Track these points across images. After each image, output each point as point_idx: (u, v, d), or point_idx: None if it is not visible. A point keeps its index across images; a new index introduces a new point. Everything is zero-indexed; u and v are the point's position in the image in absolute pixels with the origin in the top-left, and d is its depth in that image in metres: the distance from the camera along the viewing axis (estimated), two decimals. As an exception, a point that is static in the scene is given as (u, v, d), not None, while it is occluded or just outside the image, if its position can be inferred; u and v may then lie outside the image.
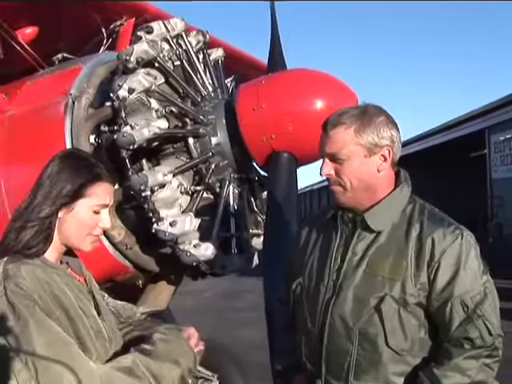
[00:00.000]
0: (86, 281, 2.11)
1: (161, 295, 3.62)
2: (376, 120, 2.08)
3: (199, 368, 4.98)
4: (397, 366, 2.05)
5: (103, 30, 4.62)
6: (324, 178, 2.16)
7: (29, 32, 4.40)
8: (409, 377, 2.05)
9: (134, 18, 4.57)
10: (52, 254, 1.99)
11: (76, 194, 1.95)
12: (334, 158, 2.10)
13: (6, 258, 1.88)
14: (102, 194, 1.99)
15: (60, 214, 1.95)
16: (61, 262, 2.06)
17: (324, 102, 3.06)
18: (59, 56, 4.33)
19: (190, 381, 4.28)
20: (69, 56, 4.32)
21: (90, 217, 1.98)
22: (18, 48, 4.05)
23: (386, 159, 2.10)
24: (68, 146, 3.11)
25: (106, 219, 2.01)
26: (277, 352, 2.62)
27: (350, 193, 2.11)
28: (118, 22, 4.59)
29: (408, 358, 2.05)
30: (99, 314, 2.05)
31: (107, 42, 4.61)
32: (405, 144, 28.10)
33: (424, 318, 2.06)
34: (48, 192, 1.94)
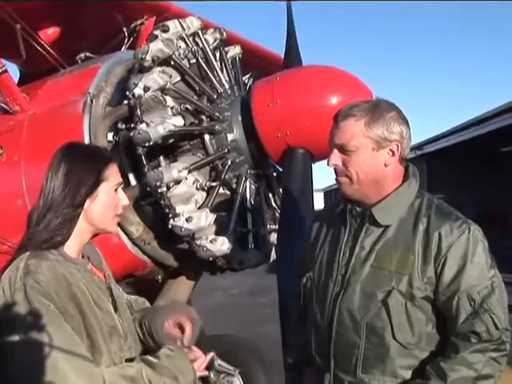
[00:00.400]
0: (105, 276, 2.17)
1: (180, 290, 3.66)
2: (387, 115, 2.09)
3: (221, 363, 5.03)
4: (404, 359, 2.06)
5: (124, 29, 4.68)
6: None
7: (51, 32, 4.48)
8: (416, 370, 2.06)
9: (154, 17, 4.63)
10: (74, 247, 2.05)
11: (97, 181, 2.02)
12: (342, 149, 2.11)
13: (28, 253, 1.94)
14: (116, 173, 2.09)
15: (86, 205, 2.02)
16: (82, 257, 2.13)
17: (339, 97, 3.06)
18: (82, 55, 4.40)
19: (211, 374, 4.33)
20: (91, 55, 4.39)
21: (113, 197, 2.07)
22: (39, 48, 4.12)
23: (394, 154, 2.10)
24: (86, 142, 3.17)
25: (124, 196, 2.12)
26: (289, 346, 2.64)
27: (356, 185, 2.12)
28: (139, 21, 4.64)
29: (415, 352, 2.06)
30: (116, 310, 2.11)
31: (128, 41, 4.67)
32: (435, 139, 27.97)
33: (431, 313, 2.06)
34: (66, 187, 2.00)
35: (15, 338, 1.82)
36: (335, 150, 2.13)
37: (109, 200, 2.06)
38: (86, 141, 3.18)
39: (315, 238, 2.38)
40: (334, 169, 2.16)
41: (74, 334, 1.85)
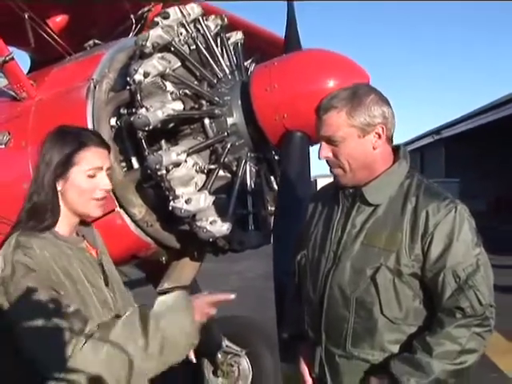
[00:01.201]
0: (97, 253, 2.26)
1: (184, 271, 3.75)
2: (366, 100, 2.17)
3: (229, 344, 5.14)
4: (392, 334, 2.16)
5: (132, 16, 4.76)
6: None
7: (59, 20, 4.57)
8: (403, 345, 2.15)
9: (161, 4, 4.69)
10: (64, 227, 2.15)
11: (66, 164, 2.10)
12: (329, 141, 2.20)
13: (19, 231, 2.04)
14: (91, 158, 2.13)
15: (59, 187, 2.10)
16: (77, 235, 2.23)
17: (335, 80, 3.10)
18: (90, 43, 4.47)
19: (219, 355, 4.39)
20: (99, 42, 4.47)
21: (86, 181, 2.13)
22: (46, 36, 4.20)
23: (380, 136, 2.19)
24: (89, 127, 3.26)
25: (104, 181, 2.16)
26: (284, 322, 2.73)
27: (350, 173, 2.21)
28: (146, 8, 4.71)
29: (403, 327, 2.16)
30: (107, 285, 2.20)
31: (136, 27, 4.74)
32: (453, 124, 27.81)
33: (419, 289, 2.15)
34: (43, 169, 2.10)
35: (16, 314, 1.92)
36: (323, 143, 2.22)
37: (82, 183, 2.12)
38: (89, 126, 3.25)
39: (310, 218, 2.49)
40: (326, 161, 2.25)
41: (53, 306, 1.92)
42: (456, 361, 2.04)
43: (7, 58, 3.59)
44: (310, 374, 2.39)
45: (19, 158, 3.48)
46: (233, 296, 2.06)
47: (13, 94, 3.72)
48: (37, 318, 1.87)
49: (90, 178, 2.14)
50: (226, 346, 4.82)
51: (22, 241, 2.00)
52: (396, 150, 2.29)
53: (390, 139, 2.23)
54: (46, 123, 3.48)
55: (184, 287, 3.95)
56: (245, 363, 4.88)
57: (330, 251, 2.27)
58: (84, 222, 2.28)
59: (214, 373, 4.91)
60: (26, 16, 4.13)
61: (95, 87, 3.36)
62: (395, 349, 2.16)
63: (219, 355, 4.84)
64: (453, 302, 2.07)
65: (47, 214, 2.09)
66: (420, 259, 2.11)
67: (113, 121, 3.32)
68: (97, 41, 4.49)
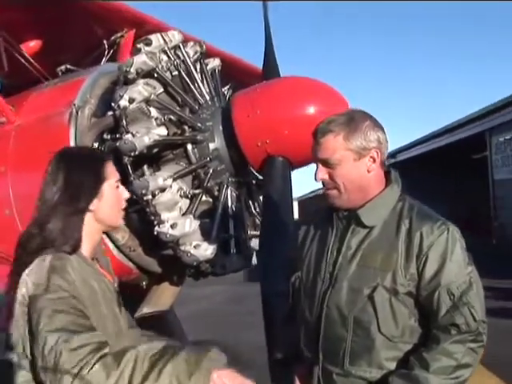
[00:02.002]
0: (112, 278, 2.28)
1: (164, 295, 3.76)
2: (362, 125, 2.24)
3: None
4: (389, 351, 2.20)
5: (104, 41, 4.78)
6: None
7: (33, 45, 4.57)
8: (400, 361, 2.20)
9: (134, 30, 4.73)
10: (87, 248, 2.14)
11: (99, 181, 2.13)
12: (326, 164, 2.26)
13: (51, 255, 2.00)
14: (114, 170, 2.20)
15: (93, 206, 2.12)
16: (91, 259, 2.21)
17: (316, 107, 3.19)
18: (62, 68, 4.49)
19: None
20: (72, 67, 4.48)
21: (116, 193, 2.19)
22: (23, 60, 4.20)
23: (374, 160, 2.26)
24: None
25: (124, 191, 2.24)
26: (278, 342, 2.76)
27: (345, 195, 2.26)
28: (119, 34, 4.75)
29: (399, 345, 2.20)
30: (120, 311, 2.22)
31: (108, 53, 4.77)
32: (408, 147, 28.34)
33: (414, 307, 2.20)
34: (66, 192, 2.08)
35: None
36: (320, 165, 2.28)
37: (113, 197, 2.17)
38: None
39: (303, 240, 2.52)
40: (322, 182, 2.30)
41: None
42: (452, 375, 2.09)
43: (-14, 83, 3.58)
44: None
45: (-1, 184, 3.46)
46: None
47: (-9, 119, 3.69)
48: (59, 335, 1.84)
49: (117, 190, 2.20)
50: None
51: (57, 264, 1.97)
52: (387, 173, 2.37)
53: (383, 163, 2.32)
54: (26, 148, 3.49)
55: (163, 312, 3.96)
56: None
57: (325, 272, 2.31)
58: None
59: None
60: (1, 39, 4.13)
61: (77, 112, 3.37)
62: (392, 366, 2.20)
63: (193, 379, 4.82)
64: (448, 319, 2.13)
65: (73, 237, 2.08)
66: (415, 278, 2.16)
67: (95, 146, 3.33)
68: (69, 66, 4.51)
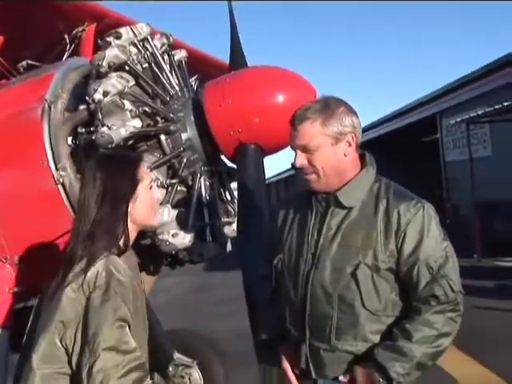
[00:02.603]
0: (141, 280, 2.34)
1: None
2: (337, 111, 2.34)
3: (179, 356, 5.17)
4: (373, 325, 2.33)
5: (66, 36, 4.78)
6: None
7: (-6, 40, 4.54)
8: (384, 334, 2.32)
9: (95, 24, 4.75)
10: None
11: (134, 184, 2.20)
12: (304, 150, 2.35)
13: (104, 259, 2.08)
14: (145, 171, 2.28)
15: (130, 208, 2.19)
16: None
17: (285, 95, 3.28)
18: (23, 63, 4.48)
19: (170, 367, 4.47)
20: (33, 63, 4.47)
21: (150, 194, 2.26)
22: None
23: (350, 144, 2.37)
24: (47, 148, 3.29)
25: (157, 190, 2.38)
26: (262, 324, 2.85)
27: (324, 178, 2.36)
28: (80, 28, 4.76)
29: (383, 318, 2.33)
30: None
31: (70, 47, 4.77)
32: (363, 131, 28.71)
33: (394, 282, 2.32)
34: (111, 197, 2.17)
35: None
36: (299, 151, 2.37)
37: (148, 198, 2.25)
38: (47, 145, 3.29)
39: (282, 224, 2.61)
40: (301, 168, 2.38)
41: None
42: (434, 344, 2.23)
43: (-46, 81, 3.56)
44: (293, 371, 2.53)
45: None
46: None
47: (-42, 116, 3.67)
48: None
49: (150, 190, 2.27)
50: (177, 358, 4.88)
51: (112, 269, 2.06)
52: (362, 156, 2.48)
53: (358, 147, 2.43)
54: (-1, 144, 3.49)
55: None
56: (195, 374, 4.94)
57: (308, 253, 2.40)
58: None
59: (165, 386, 4.95)
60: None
61: (50, 107, 3.39)
62: (377, 339, 2.32)
63: (170, 368, 4.89)
64: (428, 291, 2.25)
65: (121, 240, 2.16)
66: (394, 255, 2.28)
67: (69, 140, 3.36)
68: (30, 61, 4.50)
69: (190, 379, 4.93)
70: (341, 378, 2.37)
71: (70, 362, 2.04)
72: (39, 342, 2.07)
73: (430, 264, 2.26)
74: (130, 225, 2.22)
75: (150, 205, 2.28)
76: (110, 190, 2.17)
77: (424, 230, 2.28)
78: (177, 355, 4.90)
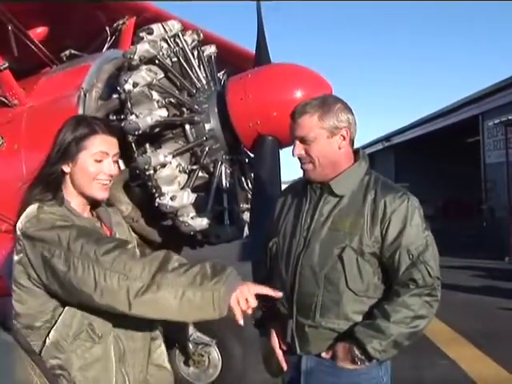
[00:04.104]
0: (111, 234, 2.52)
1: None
2: (334, 107, 2.58)
3: (199, 334, 5.45)
4: (355, 305, 2.53)
5: (107, 28, 5.07)
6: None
7: (40, 31, 4.86)
8: (365, 314, 2.53)
9: (134, 17, 5.02)
10: (75, 204, 2.42)
11: (76, 147, 2.37)
12: (303, 140, 2.59)
13: (37, 203, 2.32)
14: (99, 144, 2.39)
15: (68, 169, 2.38)
16: (92, 215, 2.51)
17: (302, 91, 3.49)
18: (66, 53, 4.78)
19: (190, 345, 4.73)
20: (75, 52, 4.77)
21: (93, 165, 2.39)
22: (32, 46, 4.49)
23: (344, 138, 2.60)
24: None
25: (109, 166, 2.42)
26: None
27: (319, 168, 2.59)
28: (121, 21, 5.03)
29: (364, 299, 2.53)
30: None
31: (111, 39, 5.06)
32: (403, 130, 28.58)
33: (377, 266, 2.54)
34: (55, 151, 2.40)
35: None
36: (297, 142, 2.61)
37: (88, 166, 2.38)
38: None
39: (280, 211, 2.86)
40: (299, 158, 2.62)
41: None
42: (410, 325, 2.43)
43: (2, 68, 3.88)
44: (281, 347, 2.76)
45: (13, 160, 3.77)
46: (280, 294, 2.30)
47: (4, 100, 4.00)
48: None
49: (97, 163, 2.39)
50: (197, 336, 5.15)
51: (44, 209, 2.29)
52: (356, 152, 2.71)
53: (352, 142, 2.66)
54: (38, 128, 3.81)
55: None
56: (214, 353, 5.22)
57: (300, 237, 2.63)
58: (99, 204, 2.54)
59: (185, 363, 5.24)
60: (10, 27, 4.41)
61: (85, 95, 3.68)
62: (358, 318, 2.52)
63: (190, 346, 5.17)
64: (407, 275, 2.46)
65: (52, 191, 2.36)
66: (379, 240, 2.49)
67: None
68: (73, 51, 4.80)
69: (208, 358, 5.22)
70: (323, 354, 2.57)
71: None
72: None
73: (410, 250, 2.47)
74: (71, 187, 2.40)
75: (92, 175, 2.38)
76: (57, 144, 2.39)
77: (407, 219, 2.49)
78: (197, 334, 5.18)
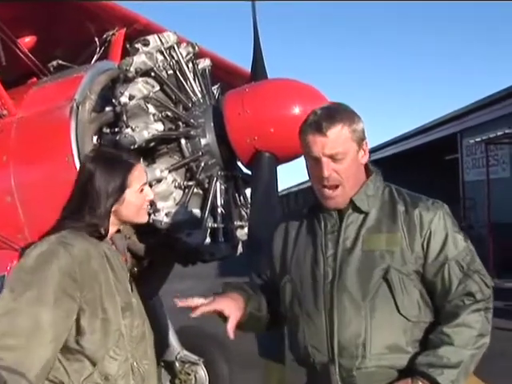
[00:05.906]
0: (126, 260, 2.53)
1: (152, 281, 3.98)
2: (355, 115, 2.25)
3: (186, 353, 5.35)
4: (409, 333, 2.18)
5: (96, 39, 4.97)
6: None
7: (28, 40, 4.74)
8: (421, 342, 2.18)
9: (124, 28, 4.93)
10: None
11: (121, 189, 2.34)
12: (334, 158, 2.19)
13: (68, 230, 2.26)
14: (139, 176, 2.41)
15: (114, 208, 2.35)
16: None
17: (300, 107, 3.43)
18: (54, 63, 4.68)
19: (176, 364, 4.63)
20: (63, 63, 4.66)
21: (139, 197, 2.40)
22: (21, 55, 4.38)
23: (365, 152, 2.28)
24: (73, 145, 3.48)
25: (150, 192, 2.47)
26: None
27: (349, 191, 2.25)
28: (110, 32, 4.93)
29: (417, 325, 2.19)
30: (132, 290, 2.44)
31: (100, 50, 4.96)
32: (381, 147, 28.74)
33: (422, 286, 2.21)
34: (96, 196, 2.32)
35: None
36: (326, 159, 2.18)
37: (135, 201, 2.40)
38: (73, 143, 3.47)
39: (283, 246, 2.48)
40: (327, 178, 2.21)
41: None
42: (475, 345, 2.11)
43: (-10, 78, 3.76)
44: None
45: (1, 172, 3.65)
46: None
47: (-8, 111, 3.88)
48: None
49: (140, 193, 2.41)
50: (184, 355, 5.04)
51: (67, 236, 2.24)
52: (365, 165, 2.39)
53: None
54: (28, 140, 3.70)
55: (150, 297, 4.18)
56: (201, 371, 5.10)
57: (325, 267, 2.26)
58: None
59: (172, 382, 5.12)
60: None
61: (78, 107, 3.58)
62: (414, 349, 2.17)
63: (177, 364, 5.06)
64: (462, 290, 2.15)
65: (100, 229, 2.34)
66: (420, 256, 2.19)
67: (94, 139, 3.55)
68: (60, 61, 4.69)
69: (195, 376, 5.11)
70: None
71: None
72: None
73: (459, 262, 2.18)
74: (113, 219, 2.38)
75: (139, 206, 2.42)
76: (96, 189, 2.32)
77: (448, 228, 2.22)
78: (184, 352, 5.07)
